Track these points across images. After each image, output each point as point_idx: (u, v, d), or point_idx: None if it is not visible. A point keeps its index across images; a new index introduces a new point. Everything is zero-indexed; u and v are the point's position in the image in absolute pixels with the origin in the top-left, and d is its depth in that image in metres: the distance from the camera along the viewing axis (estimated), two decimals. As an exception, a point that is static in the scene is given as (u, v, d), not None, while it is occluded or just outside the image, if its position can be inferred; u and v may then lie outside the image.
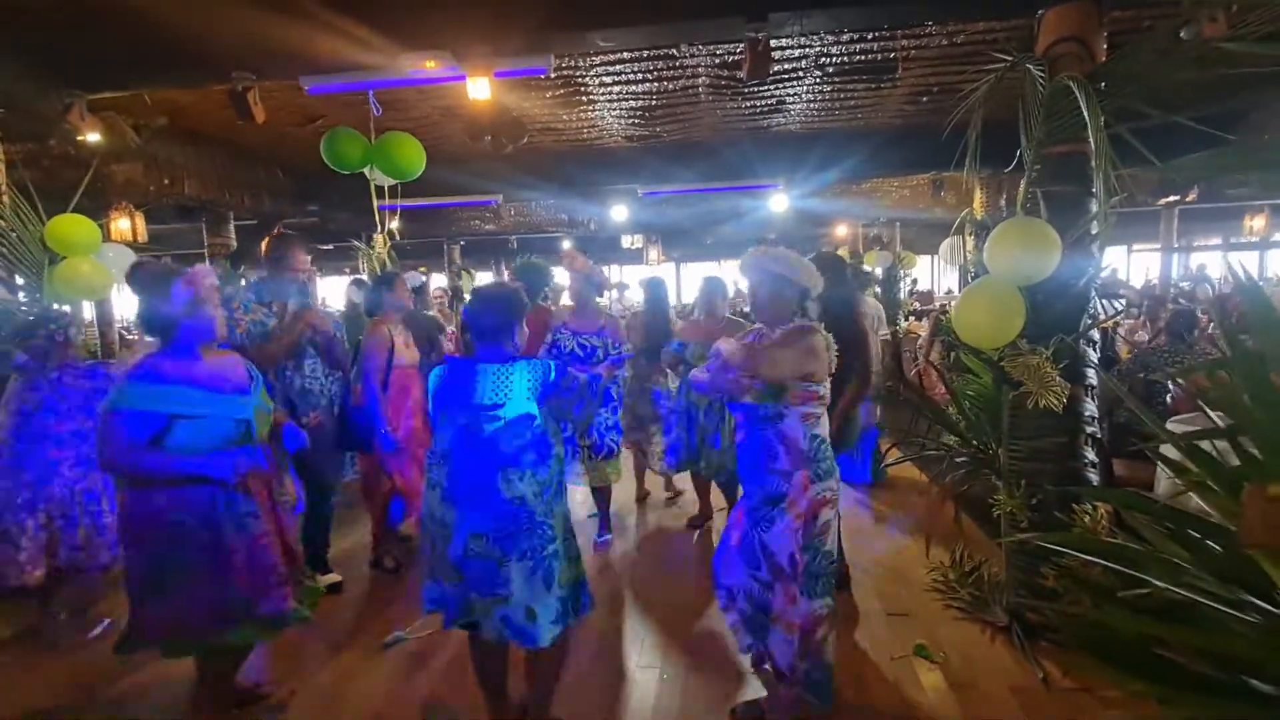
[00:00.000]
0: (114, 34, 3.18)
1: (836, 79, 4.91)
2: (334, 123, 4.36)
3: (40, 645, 2.82)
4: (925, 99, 5.43)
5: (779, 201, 7.60)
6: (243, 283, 3.70)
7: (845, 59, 4.51)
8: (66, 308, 3.41)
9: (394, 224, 4.98)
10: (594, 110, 5.51)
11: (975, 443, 2.87)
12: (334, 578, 3.29)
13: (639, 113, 5.62)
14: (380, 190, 4.43)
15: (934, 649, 2.57)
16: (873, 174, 6.87)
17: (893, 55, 4.45)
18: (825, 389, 2.05)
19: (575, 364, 3.66)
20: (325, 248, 10.35)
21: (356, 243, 8.12)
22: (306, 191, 7.20)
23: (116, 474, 1.95)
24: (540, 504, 1.86)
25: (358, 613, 3.07)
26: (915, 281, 10.50)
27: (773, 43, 3.54)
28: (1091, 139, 2.22)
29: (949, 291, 14.65)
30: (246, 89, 3.38)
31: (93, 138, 3.74)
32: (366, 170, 4.10)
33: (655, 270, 11.15)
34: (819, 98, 5.38)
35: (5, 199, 3.62)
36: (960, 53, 4.45)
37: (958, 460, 2.95)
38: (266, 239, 3.02)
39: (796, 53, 4.37)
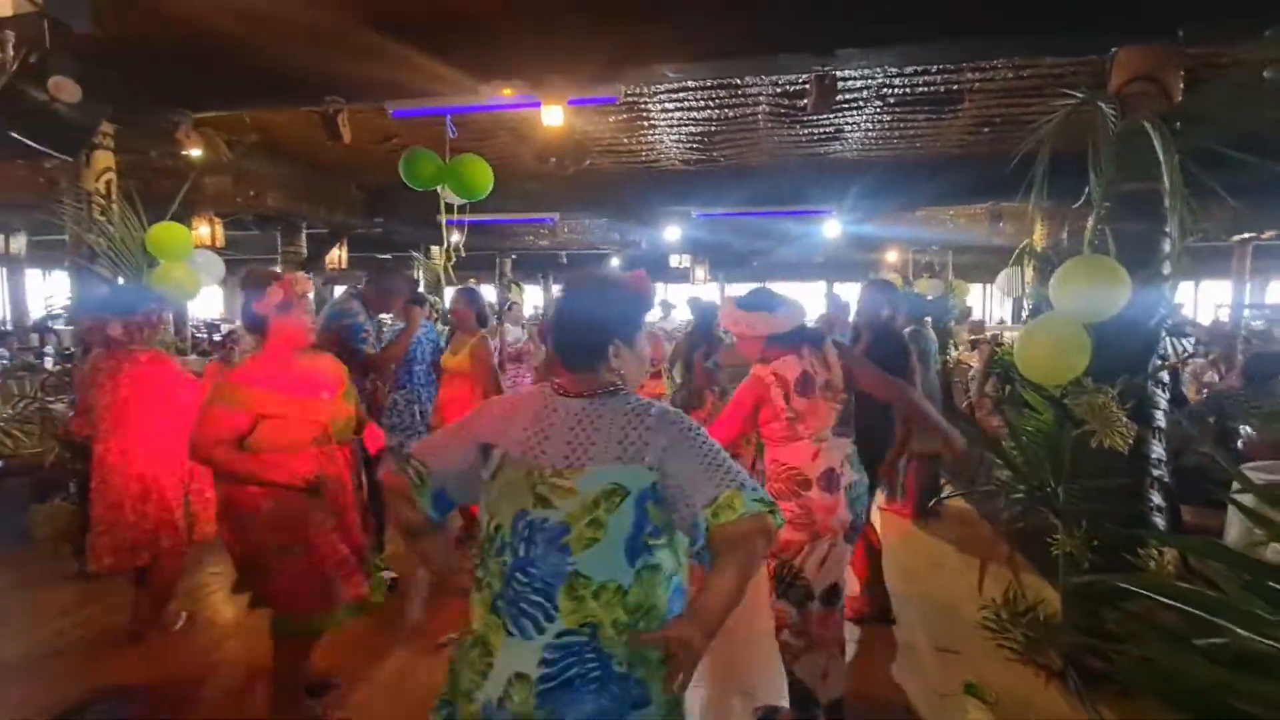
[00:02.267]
0: (222, 61, 3.45)
1: (897, 109, 4.93)
2: (408, 142, 4.61)
3: (129, 627, 3.01)
4: (987, 130, 5.39)
5: (831, 227, 7.60)
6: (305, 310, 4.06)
7: (908, 90, 4.54)
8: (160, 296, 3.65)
9: (456, 238, 5.20)
10: (654, 134, 5.65)
11: (1033, 480, 2.83)
12: (388, 576, 3.43)
13: (698, 137, 5.74)
14: (447, 206, 4.64)
15: (984, 689, 2.53)
16: (929, 202, 6.83)
17: (956, 88, 4.46)
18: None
19: None
20: (383, 256, 10.79)
21: (416, 254, 8.47)
22: (376, 205, 7.56)
23: (206, 466, 2.08)
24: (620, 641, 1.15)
25: (408, 612, 3.20)
26: (970, 311, 10.29)
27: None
28: (1166, 179, 2.21)
29: (1001, 322, 14.27)
30: (336, 111, 3.62)
31: (194, 153, 4.04)
32: (439, 188, 4.31)
33: (699, 289, 11.23)
34: (878, 126, 5.40)
35: (115, 207, 3.95)
36: (1027, 86, 4.43)
37: (1013, 497, 2.91)
38: (376, 269, 3.45)
39: (859, 83, 4.42)
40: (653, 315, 7.34)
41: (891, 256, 10.81)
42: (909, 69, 4.15)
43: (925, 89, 4.51)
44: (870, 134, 5.61)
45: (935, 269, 10.31)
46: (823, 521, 2.09)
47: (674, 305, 10.15)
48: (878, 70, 4.14)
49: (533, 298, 11.40)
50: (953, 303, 9.20)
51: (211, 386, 2.08)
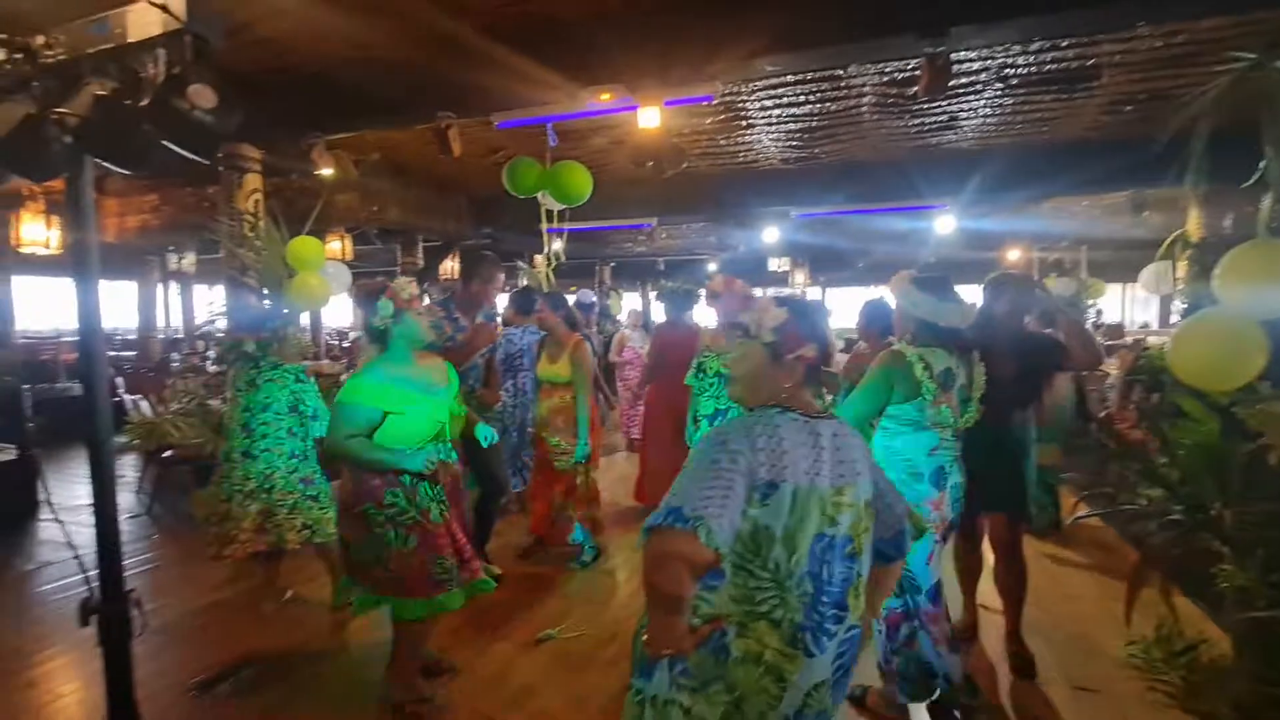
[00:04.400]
0: (345, 87, 3.77)
1: (1021, 91, 4.53)
2: (513, 154, 4.80)
3: (256, 605, 3.33)
4: (1129, 108, 4.83)
5: (945, 223, 7.11)
6: (426, 300, 4.23)
7: (1034, 69, 4.16)
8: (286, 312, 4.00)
9: (557, 245, 5.36)
10: (751, 134, 5.55)
11: (1192, 500, 2.47)
12: (494, 570, 3.56)
13: (797, 135, 5.57)
14: (549, 214, 4.80)
15: (1133, 734, 2.23)
16: (1059, 193, 6.19)
17: (1092, 63, 4.02)
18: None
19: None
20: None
21: (520, 262, 8.81)
22: (483, 215, 7.96)
23: (337, 459, 2.22)
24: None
25: (513, 607, 3.30)
26: (1100, 312, 9.25)
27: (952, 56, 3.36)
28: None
29: (1144, 325, 12.75)
30: (448, 126, 3.84)
31: (326, 172, 4.43)
32: (540, 195, 4.46)
33: (799, 293, 10.87)
34: (998, 111, 4.99)
35: (261, 224, 4.41)
36: (1177, 55, 3.92)
37: (1168, 519, 2.55)
38: (466, 255, 3.44)
39: (976, 65, 4.10)
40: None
41: (1013, 255, 9.94)
42: (1034, 45, 3.80)
43: (1054, 66, 4.11)
44: (989, 120, 5.19)
45: (1065, 267, 9.37)
46: (927, 516, 2.09)
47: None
48: (998, 49, 3.82)
49: (631, 304, 11.54)
50: (1088, 303, 8.35)
51: (343, 386, 2.23)
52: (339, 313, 14.74)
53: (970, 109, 4.96)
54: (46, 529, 4.56)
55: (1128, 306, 14.23)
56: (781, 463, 1.19)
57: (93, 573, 1.29)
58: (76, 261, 1.22)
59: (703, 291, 4.11)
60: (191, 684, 2.63)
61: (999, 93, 4.60)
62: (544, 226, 4.83)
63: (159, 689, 2.57)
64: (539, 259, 9.06)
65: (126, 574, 1.35)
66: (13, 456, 4.76)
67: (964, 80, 4.36)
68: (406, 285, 2.34)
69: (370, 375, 2.20)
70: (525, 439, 4.27)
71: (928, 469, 2.16)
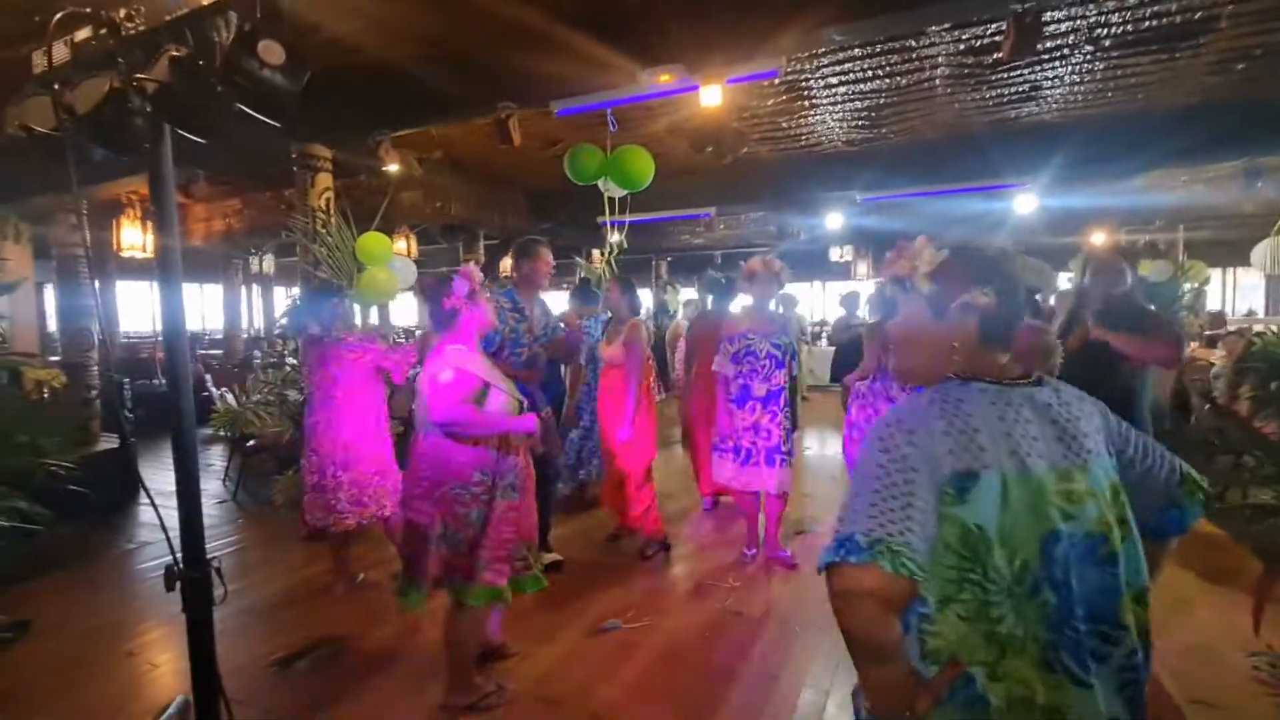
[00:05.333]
0: (413, 82, 3.83)
1: (1114, 53, 4.18)
2: (572, 145, 4.80)
3: (329, 588, 3.43)
4: (1241, 66, 4.38)
5: (1025, 202, 6.68)
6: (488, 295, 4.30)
7: (1129, 27, 3.82)
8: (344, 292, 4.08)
9: (615, 238, 5.33)
10: (815, 115, 5.36)
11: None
12: (555, 557, 3.56)
13: (863, 114, 5.34)
14: (610, 203, 4.77)
15: (1263, 752, 2.00)
16: (1157, 165, 5.70)
17: (1199, 16, 3.66)
18: None
19: (778, 368, 3.62)
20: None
21: (577, 258, 8.86)
22: (542, 210, 8.04)
23: (447, 428, 2.20)
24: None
25: (578, 595, 3.28)
26: (1198, 296, 8.46)
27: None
28: None
29: (1250, 313, 11.67)
30: (508, 116, 3.86)
31: (392, 168, 4.55)
32: (600, 182, 4.43)
33: (860, 286, 10.47)
34: (1087, 78, 4.63)
35: (333, 221, 4.57)
36: (1303, 1, 3.52)
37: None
38: (518, 242, 3.46)
39: (1064, 26, 3.80)
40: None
41: (1098, 238, 9.24)
42: (1133, 0, 3.49)
43: (1154, 23, 3.76)
44: (1077, 88, 4.82)
45: (1160, 248, 8.65)
46: None
47: (797, 302, 9.31)
48: (1090, 6, 3.52)
49: (688, 299, 11.44)
50: (1187, 288, 7.68)
51: (434, 360, 2.24)
52: (406, 311, 15.25)
53: (1055, 77, 4.62)
54: (145, 512, 4.87)
55: (1230, 292, 13.05)
56: (976, 444, 0.95)
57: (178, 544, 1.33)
58: (162, 244, 1.25)
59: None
60: (272, 660, 2.73)
61: (1088, 56, 4.25)
62: (605, 219, 4.80)
63: (244, 662, 2.69)
64: (596, 254, 9.08)
65: (213, 555, 1.38)
66: (114, 445, 5.13)
67: (1048, 44, 4.06)
68: (476, 271, 2.35)
69: (453, 350, 2.22)
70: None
71: None
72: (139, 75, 0.99)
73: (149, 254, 6.44)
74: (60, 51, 1.14)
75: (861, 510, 0.92)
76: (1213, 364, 6.09)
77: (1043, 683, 0.94)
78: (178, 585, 1.24)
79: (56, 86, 1.12)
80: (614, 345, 3.72)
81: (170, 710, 1.12)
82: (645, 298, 10.44)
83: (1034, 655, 0.94)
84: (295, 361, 5.08)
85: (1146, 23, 3.76)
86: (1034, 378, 1.04)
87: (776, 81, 4.58)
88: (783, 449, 3.49)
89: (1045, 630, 0.94)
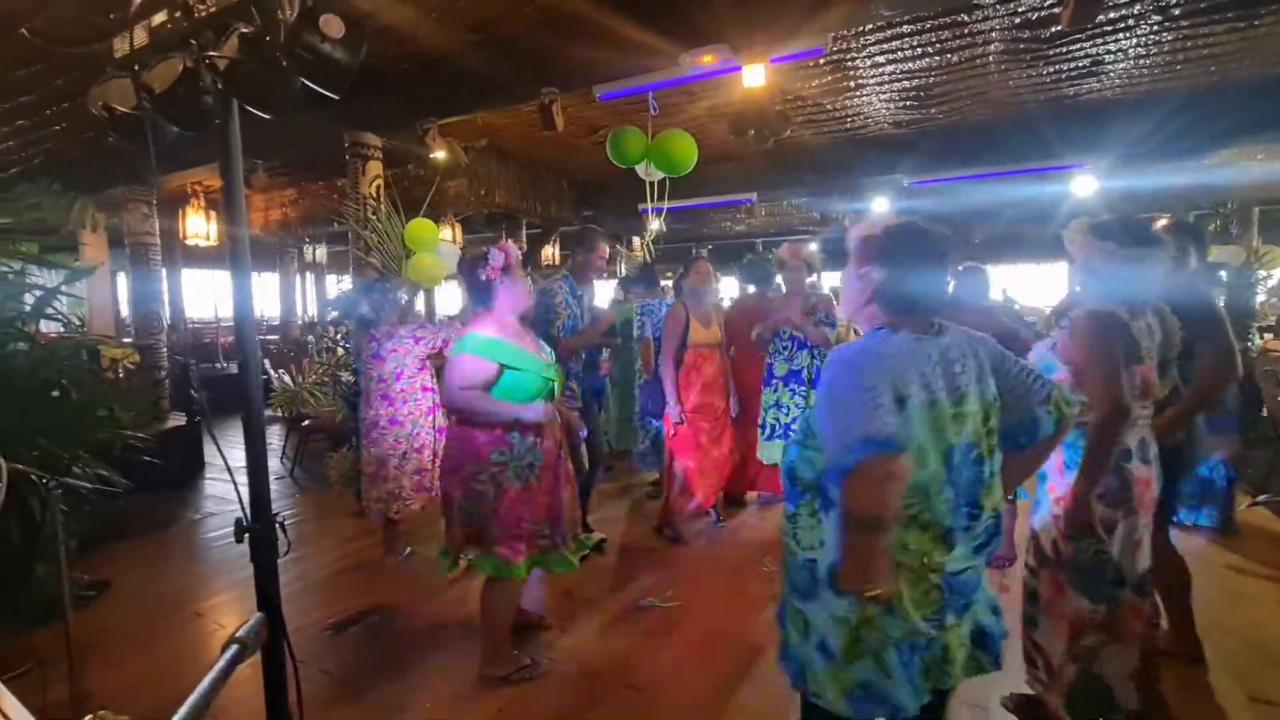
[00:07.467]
0: (460, 69, 3.91)
1: (1184, 23, 3.95)
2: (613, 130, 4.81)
3: (380, 559, 3.59)
4: (1328, 32, 4.09)
5: (1084, 184, 6.39)
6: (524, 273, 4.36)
7: (1202, -6, 3.61)
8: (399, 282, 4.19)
9: (656, 225, 5.36)
10: (860, 96, 5.23)
11: None
12: (597, 537, 3.62)
13: (911, 94, 5.19)
14: (651, 187, 4.78)
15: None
16: (1231, 141, 5.36)
17: (1281, -22, 3.43)
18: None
19: (800, 349, 3.75)
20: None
21: (620, 246, 8.87)
22: (584, 198, 8.09)
23: (457, 411, 2.29)
24: None
25: (616, 573, 3.34)
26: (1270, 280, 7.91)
27: (1101, -17, 2.98)
28: None
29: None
30: (551, 102, 3.90)
31: (440, 154, 4.66)
32: (640, 168, 4.45)
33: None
34: (1153, 50, 4.39)
35: (382, 208, 4.72)
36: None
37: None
38: (571, 233, 3.54)
39: (1128, -5, 3.62)
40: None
41: (1159, 224, 8.68)
42: (1206, -36, 3.29)
43: (1230, -12, 3.55)
44: (1142, 61, 4.58)
45: (1231, 232, 8.13)
46: (1141, 495, 1.84)
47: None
48: (1159, -28, 3.34)
49: (728, 288, 11.29)
50: (1261, 274, 7.26)
51: (457, 341, 2.30)
52: (452, 299, 15.57)
53: (1118, 50, 4.39)
54: (211, 485, 5.16)
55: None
56: (903, 379, 1.23)
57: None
58: (230, 221, 1.32)
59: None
60: (328, 624, 2.88)
61: (1155, 27, 4.03)
62: (647, 206, 4.81)
63: (302, 624, 2.84)
64: (637, 242, 9.09)
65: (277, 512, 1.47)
66: (182, 423, 5.44)
67: (1111, 16, 3.86)
68: (515, 247, 2.39)
69: (480, 330, 2.27)
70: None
71: (1133, 441, 1.85)
72: (210, 54, 1.06)
73: (212, 242, 6.77)
74: (140, 36, 1.22)
75: (865, 416, 1.17)
76: (1284, 354, 5.73)
77: (934, 548, 1.27)
78: (246, 537, 1.32)
79: (135, 68, 1.20)
80: (711, 328, 3.67)
81: (250, 624, 1.21)
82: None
83: (934, 532, 1.27)
84: (348, 347, 5.28)
85: (1221, -12, 3.55)
86: (935, 327, 1.34)
87: (821, 61, 4.49)
88: None
89: (945, 515, 1.27)
